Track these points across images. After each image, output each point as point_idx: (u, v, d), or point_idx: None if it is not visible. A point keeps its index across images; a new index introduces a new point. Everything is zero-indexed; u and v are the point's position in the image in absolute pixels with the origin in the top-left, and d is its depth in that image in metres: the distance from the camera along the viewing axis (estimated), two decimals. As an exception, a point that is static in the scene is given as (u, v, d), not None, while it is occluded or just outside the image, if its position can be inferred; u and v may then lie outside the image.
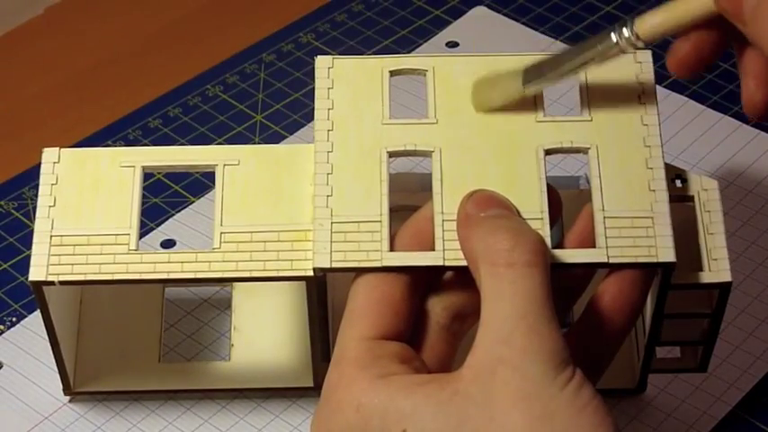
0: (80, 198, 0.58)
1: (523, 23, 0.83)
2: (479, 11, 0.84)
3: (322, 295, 0.57)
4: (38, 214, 0.57)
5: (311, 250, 0.55)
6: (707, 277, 0.55)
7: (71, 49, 0.84)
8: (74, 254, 0.56)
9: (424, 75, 0.59)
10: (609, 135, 0.56)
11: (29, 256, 0.57)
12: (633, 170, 0.55)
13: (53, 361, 0.61)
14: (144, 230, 0.69)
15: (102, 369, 0.63)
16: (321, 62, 0.59)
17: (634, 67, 0.58)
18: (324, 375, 0.53)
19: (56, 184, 0.58)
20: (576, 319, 0.56)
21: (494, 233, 0.51)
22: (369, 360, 0.51)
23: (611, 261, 0.54)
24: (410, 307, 0.54)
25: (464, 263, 0.53)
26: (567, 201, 0.58)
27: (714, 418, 0.62)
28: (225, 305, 0.67)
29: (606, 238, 0.54)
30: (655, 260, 0.54)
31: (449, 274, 0.55)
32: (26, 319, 0.67)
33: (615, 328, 0.54)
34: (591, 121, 0.57)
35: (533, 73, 0.55)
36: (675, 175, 0.57)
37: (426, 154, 0.56)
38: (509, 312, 0.49)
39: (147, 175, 0.63)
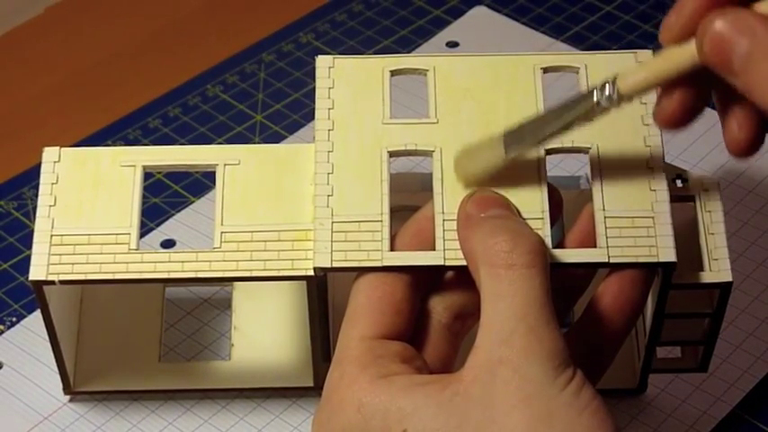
0: (80, 197, 0.58)
1: (523, 23, 0.83)
2: (479, 11, 0.84)
3: (322, 295, 0.57)
4: (38, 213, 0.57)
5: (312, 250, 0.55)
6: (707, 277, 0.55)
7: (71, 49, 0.84)
8: (74, 253, 0.56)
9: (425, 74, 0.59)
10: (609, 135, 0.56)
11: (29, 256, 0.57)
12: (634, 170, 0.55)
13: (53, 361, 0.61)
14: (144, 230, 0.69)
15: (102, 368, 0.63)
16: (322, 62, 0.59)
17: (635, 67, 0.58)
18: (324, 375, 0.53)
19: (56, 183, 0.58)
20: (577, 319, 0.56)
21: (493, 235, 0.51)
22: (370, 359, 0.51)
23: (612, 261, 0.54)
24: (411, 306, 0.54)
25: (465, 262, 0.53)
26: (567, 201, 0.58)
27: (714, 418, 0.62)
28: (225, 305, 0.67)
29: (607, 237, 0.54)
30: (655, 260, 0.54)
31: (450, 273, 0.55)
32: (26, 319, 0.67)
33: (616, 327, 0.54)
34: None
35: (514, 138, 0.54)
36: (676, 175, 0.57)
37: (427, 154, 0.56)
38: (509, 313, 0.49)
39: (147, 175, 0.63)
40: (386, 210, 0.55)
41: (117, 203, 0.57)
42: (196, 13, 0.86)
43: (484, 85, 0.58)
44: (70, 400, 0.63)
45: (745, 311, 0.66)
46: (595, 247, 0.54)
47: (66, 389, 0.62)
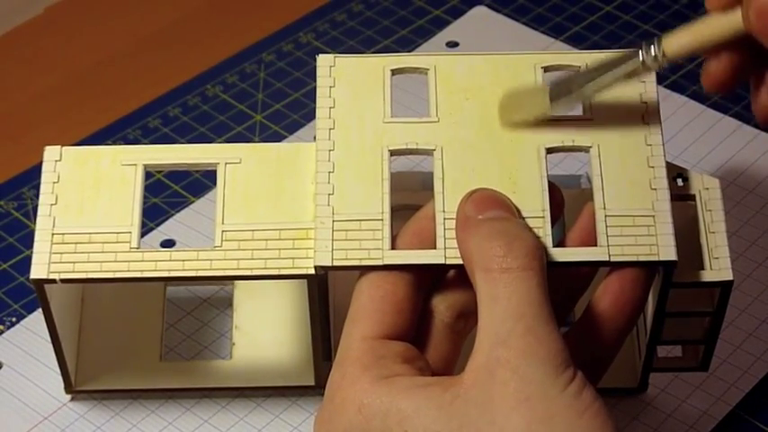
0: (81, 196, 0.58)
1: (523, 23, 0.83)
2: (479, 11, 0.84)
3: (323, 293, 0.57)
4: (39, 212, 0.57)
5: (312, 248, 0.55)
6: (708, 276, 0.55)
7: (71, 49, 0.84)
8: (75, 252, 0.56)
9: (426, 73, 0.59)
10: (610, 134, 0.56)
11: (29, 256, 0.57)
12: (634, 169, 0.56)
13: (53, 361, 0.61)
14: (144, 230, 0.69)
15: (103, 367, 0.63)
16: (323, 61, 0.59)
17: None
18: (325, 374, 0.53)
19: (57, 182, 0.58)
20: (577, 318, 0.56)
21: (489, 239, 0.51)
22: (372, 360, 0.51)
23: (613, 259, 0.54)
24: (414, 306, 0.54)
25: (465, 261, 0.53)
26: (568, 200, 0.58)
27: (714, 418, 0.62)
28: (225, 305, 0.67)
29: (608, 236, 0.54)
30: (656, 258, 0.54)
31: (451, 272, 0.55)
32: (26, 319, 0.67)
33: (616, 326, 0.54)
34: (592, 119, 0.57)
35: (560, 90, 0.55)
36: (677, 174, 0.57)
37: (428, 152, 0.56)
38: (506, 314, 0.49)
39: (147, 175, 0.63)
40: (387, 208, 0.55)
41: (118, 202, 0.57)
42: (196, 13, 0.86)
43: (485, 83, 0.58)
44: (71, 400, 0.63)
45: (745, 311, 0.66)
46: (596, 245, 0.54)
47: (68, 388, 0.62)
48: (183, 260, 0.56)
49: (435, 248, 0.54)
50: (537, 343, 0.48)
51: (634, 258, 0.54)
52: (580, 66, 0.58)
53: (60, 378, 0.62)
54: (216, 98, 0.79)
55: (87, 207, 0.57)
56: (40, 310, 0.58)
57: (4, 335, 0.66)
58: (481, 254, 0.51)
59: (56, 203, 0.57)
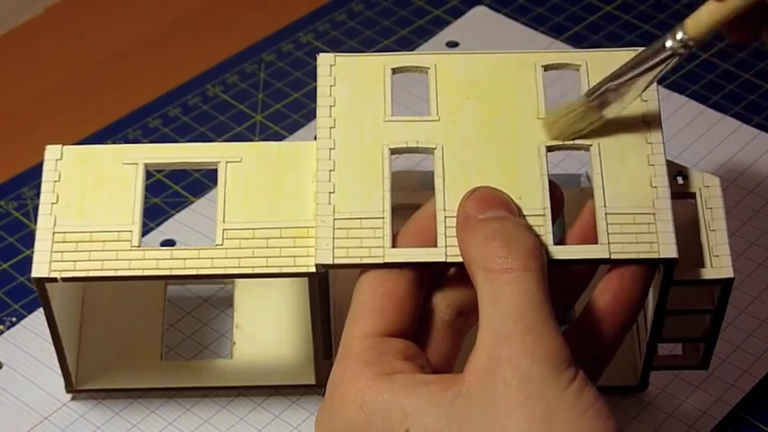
0: (82, 195, 0.58)
1: (523, 23, 0.83)
2: (479, 11, 0.84)
3: (324, 292, 0.57)
4: (40, 211, 0.57)
5: (313, 247, 0.55)
6: (709, 273, 0.55)
7: (71, 49, 0.84)
8: (76, 250, 0.56)
9: (426, 72, 0.59)
10: (610, 133, 0.56)
11: (29, 256, 0.57)
12: (635, 167, 0.56)
13: (53, 361, 0.61)
14: (144, 230, 0.69)
15: (104, 367, 0.63)
16: (323, 60, 0.59)
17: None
18: (326, 373, 0.53)
19: (58, 181, 0.58)
20: (577, 316, 0.56)
21: (489, 239, 0.51)
22: (373, 357, 0.51)
23: (613, 257, 0.54)
24: (415, 304, 0.54)
25: (466, 260, 0.53)
26: (568, 199, 0.58)
27: (714, 418, 0.62)
28: (225, 304, 0.67)
29: (608, 234, 0.54)
30: (657, 256, 0.54)
31: (452, 270, 0.55)
32: (26, 319, 0.67)
33: (616, 324, 0.54)
34: (592, 118, 0.57)
35: (603, 99, 0.56)
36: (677, 172, 0.57)
37: (428, 151, 0.57)
38: (506, 314, 0.49)
39: (148, 175, 0.63)
40: (387, 206, 0.55)
41: (119, 201, 0.58)
42: (196, 13, 0.86)
43: (485, 82, 0.58)
44: (71, 400, 0.63)
45: (745, 311, 0.66)
46: (596, 243, 0.54)
47: (69, 387, 0.62)
48: (185, 258, 0.56)
49: (436, 246, 0.54)
50: (537, 342, 0.48)
51: (635, 256, 0.54)
52: (580, 65, 0.58)
53: (60, 378, 0.62)
54: (216, 98, 0.79)
55: (88, 206, 0.57)
56: (40, 309, 0.58)
57: (4, 335, 0.66)
58: (482, 254, 0.51)
59: (57, 202, 0.58)
